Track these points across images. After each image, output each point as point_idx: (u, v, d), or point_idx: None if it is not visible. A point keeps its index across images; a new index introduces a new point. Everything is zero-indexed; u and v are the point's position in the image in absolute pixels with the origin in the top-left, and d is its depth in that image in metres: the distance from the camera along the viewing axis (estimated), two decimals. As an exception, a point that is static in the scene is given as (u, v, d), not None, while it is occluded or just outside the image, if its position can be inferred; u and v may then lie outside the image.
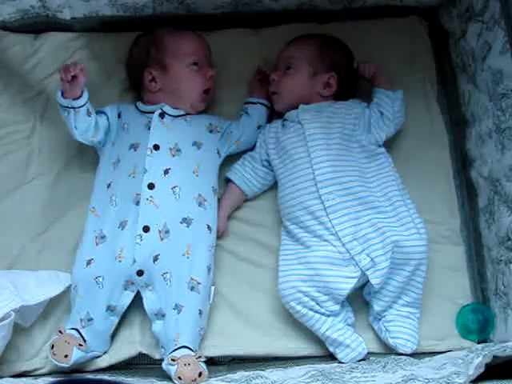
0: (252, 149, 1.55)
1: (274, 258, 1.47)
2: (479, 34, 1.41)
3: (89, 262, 1.36)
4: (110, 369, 1.39)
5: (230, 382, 1.22)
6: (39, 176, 1.54)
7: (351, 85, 1.55)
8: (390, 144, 1.51)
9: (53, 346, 1.32)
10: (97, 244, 1.37)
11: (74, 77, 1.33)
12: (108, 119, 1.48)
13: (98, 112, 1.47)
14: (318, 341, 1.41)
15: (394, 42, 1.64)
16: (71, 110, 1.37)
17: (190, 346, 1.32)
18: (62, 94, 1.37)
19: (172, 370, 1.28)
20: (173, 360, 1.28)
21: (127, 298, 1.37)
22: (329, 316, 1.36)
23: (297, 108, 1.49)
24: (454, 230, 1.52)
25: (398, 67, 1.61)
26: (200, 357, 1.31)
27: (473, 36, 1.44)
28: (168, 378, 1.30)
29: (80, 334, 1.34)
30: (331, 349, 1.37)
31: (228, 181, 1.54)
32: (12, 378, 1.32)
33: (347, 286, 1.35)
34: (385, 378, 1.16)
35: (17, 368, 1.36)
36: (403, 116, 1.51)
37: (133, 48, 1.55)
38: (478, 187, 1.48)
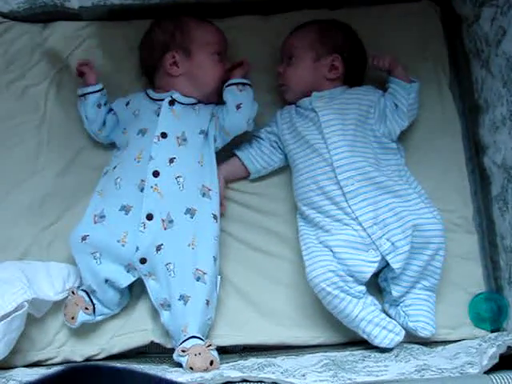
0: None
1: (286, 246, 1.48)
2: (493, 18, 1.38)
3: (84, 238, 1.37)
4: (122, 357, 1.40)
5: (242, 368, 1.23)
6: (49, 166, 1.54)
7: (359, 66, 1.53)
8: (402, 131, 1.49)
9: (66, 306, 1.37)
10: (95, 222, 1.38)
11: (82, 73, 1.50)
12: (115, 113, 1.50)
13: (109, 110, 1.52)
14: (330, 330, 1.41)
15: (406, 28, 1.61)
16: (82, 98, 1.50)
17: (198, 336, 1.32)
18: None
19: (183, 360, 1.28)
20: (183, 351, 1.29)
21: (127, 279, 1.37)
22: (359, 298, 1.34)
23: (309, 95, 1.47)
24: (467, 218, 1.50)
25: (410, 53, 1.58)
26: (210, 345, 1.31)
27: (486, 21, 1.41)
28: (180, 366, 1.31)
29: (89, 296, 1.38)
30: (365, 334, 1.33)
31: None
32: (26, 368, 1.33)
33: (369, 269, 1.34)
34: (398, 368, 1.16)
35: (30, 358, 1.37)
36: (417, 109, 1.49)
37: (154, 30, 1.53)
38: (492, 175, 1.47)
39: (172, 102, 1.45)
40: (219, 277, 1.40)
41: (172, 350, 1.37)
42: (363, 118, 1.43)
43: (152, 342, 1.39)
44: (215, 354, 1.31)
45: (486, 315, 1.42)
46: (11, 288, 1.27)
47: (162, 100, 1.46)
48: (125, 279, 1.37)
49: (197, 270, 1.35)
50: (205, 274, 1.36)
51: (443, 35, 1.62)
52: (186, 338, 1.31)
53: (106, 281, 1.36)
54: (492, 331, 1.41)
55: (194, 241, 1.36)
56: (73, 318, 1.36)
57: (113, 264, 1.36)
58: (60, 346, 1.40)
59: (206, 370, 1.26)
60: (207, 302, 1.35)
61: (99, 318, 1.39)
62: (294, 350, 1.40)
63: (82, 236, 1.37)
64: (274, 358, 1.32)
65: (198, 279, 1.35)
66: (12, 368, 1.33)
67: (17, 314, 1.26)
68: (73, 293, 1.37)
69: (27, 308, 1.28)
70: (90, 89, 1.49)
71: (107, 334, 1.41)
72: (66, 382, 0.62)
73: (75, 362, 1.40)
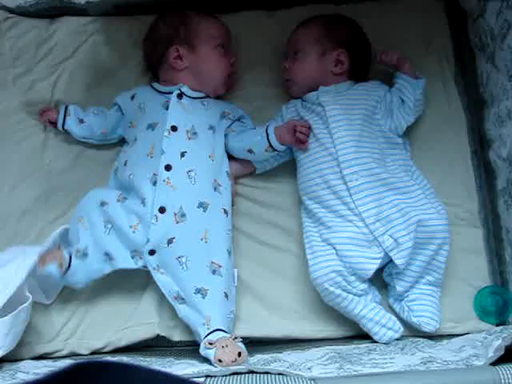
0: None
1: (292, 240, 1.48)
2: (498, 12, 1.38)
3: (103, 204, 1.37)
4: (128, 350, 1.41)
5: (247, 365, 1.23)
6: (56, 160, 1.55)
7: (364, 60, 1.53)
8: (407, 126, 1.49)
9: (44, 254, 1.30)
10: (118, 200, 1.38)
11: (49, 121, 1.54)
12: (120, 108, 1.51)
13: (113, 105, 1.53)
14: (336, 323, 1.41)
15: (411, 22, 1.61)
16: (65, 131, 1.53)
17: (223, 328, 1.32)
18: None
19: (210, 353, 1.27)
20: (210, 344, 1.28)
21: (128, 263, 1.36)
22: (360, 296, 1.35)
23: (315, 90, 1.48)
24: (472, 212, 1.50)
25: (415, 48, 1.58)
26: (236, 337, 1.31)
27: (492, 14, 1.41)
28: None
29: (70, 259, 1.34)
30: (366, 329, 1.36)
31: None
32: (33, 361, 1.34)
33: (372, 266, 1.34)
34: (403, 360, 1.16)
35: (37, 350, 1.38)
36: (422, 105, 1.49)
37: (158, 24, 1.53)
38: (497, 169, 1.47)
39: (180, 96, 1.46)
40: (236, 269, 1.41)
41: (178, 343, 1.38)
42: (370, 112, 1.44)
43: (158, 336, 1.39)
44: (242, 345, 1.30)
45: (491, 309, 1.41)
46: (15, 261, 1.29)
47: (170, 93, 1.46)
48: (126, 262, 1.36)
49: (212, 263, 1.35)
50: (220, 266, 1.36)
51: (448, 30, 1.61)
52: (209, 331, 1.31)
53: (106, 254, 1.35)
54: (497, 325, 1.40)
55: (206, 234, 1.36)
56: (43, 262, 1.29)
57: (120, 243, 1.36)
58: (66, 339, 1.41)
59: (234, 362, 1.25)
60: (225, 295, 1.35)
61: (65, 282, 1.35)
62: (299, 343, 1.40)
63: (102, 201, 1.37)
64: (280, 353, 1.32)
65: (213, 272, 1.35)
66: (19, 360, 1.33)
67: (22, 306, 1.26)
68: (58, 248, 1.33)
69: (32, 300, 1.28)
70: (60, 119, 1.51)
71: (113, 327, 1.41)
72: (73, 378, 0.62)
73: (81, 354, 1.40)
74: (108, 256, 1.35)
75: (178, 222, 1.35)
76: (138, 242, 1.35)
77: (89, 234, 1.36)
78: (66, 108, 1.52)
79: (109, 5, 1.59)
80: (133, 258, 1.36)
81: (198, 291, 1.33)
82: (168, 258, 1.35)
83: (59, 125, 1.52)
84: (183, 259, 1.35)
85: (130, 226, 1.35)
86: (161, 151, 1.39)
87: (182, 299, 1.35)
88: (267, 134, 1.44)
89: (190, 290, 1.34)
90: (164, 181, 1.37)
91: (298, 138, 1.41)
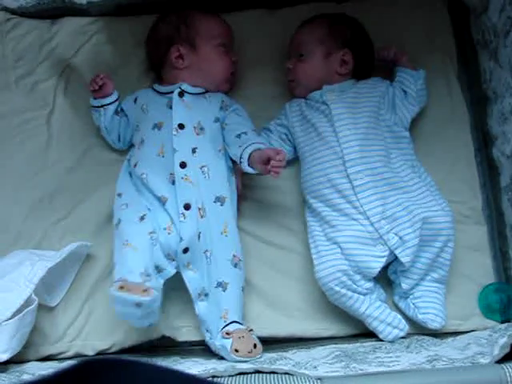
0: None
1: (297, 239, 1.48)
2: (501, 9, 1.37)
3: (142, 218, 1.35)
4: (133, 351, 1.41)
5: (253, 363, 1.23)
6: (59, 161, 1.54)
7: (368, 59, 1.53)
8: (411, 122, 1.49)
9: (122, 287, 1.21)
10: (141, 219, 1.34)
11: (102, 85, 1.44)
12: (126, 114, 1.51)
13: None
14: (341, 322, 1.41)
15: (413, 19, 1.61)
16: (101, 109, 1.47)
17: (239, 321, 1.34)
18: (94, 98, 1.48)
19: (227, 343, 1.28)
20: (227, 333, 1.29)
21: (171, 271, 1.35)
22: (365, 294, 1.35)
23: (319, 89, 1.47)
24: (476, 209, 1.50)
25: (417, 44, 1.58)
26: (251, 330, 1.33)
27: (495, 11, 1.41)
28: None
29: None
30: (371, 328, 1.36)
31: None
32: (38, 362, 1.34)
33: (377, 264, 1.35)
34: (409, 359, 1.16)
35: (42, 352, 1.38)
36: (426, 95, 1.50)
37: (160, 24, 1.54)
38: (500, 166, 1.47)
39: (181, 94, 1.46)
40: None
41: (183, 343, 1.38)
42: (376, 108, 1.44)
43: (163, 336, 1.39)
44: (256, 338, 1.32)
45: (495, 306, 1.42)
46: (23, 268, 1.29)
47: (171, 93, 1.46)
48: (167, 266, 1.34)
49: (234, 256, 1.37)
50: (241, 260, 1.38)
51: (451, 26, 1.61)
52: (226, 323, 1.32)
53: (156, 267, 1.32)
54: (502, 322, 1.40)
55: (226, 228, 1.38)
56: (145, 290, 1.21)
57: (160, 250, 1.33)
58: (72, 340, 1.41)
59: (250, 353, 1.27)
60: (242, 288, 1.37)
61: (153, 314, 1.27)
62: (304, 342, 1.40)
63: (140, 216, 1.34)
64: (286, 351, 1.32)
65: (235, 266, 1.36)
66: (25, 362, 1.33)
67: (28, 309, 1.27)
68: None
69: (37, 303, 1.29)
70: (111, 99, 1.47)
71: (119, 328, 1.41)
72: (81, 376, 0.62)
73: (87, 355, 1.40)
74: (157, 269, 1.33)
75: (202, 217, 1.36)
76: (173, 243, 1.35)
77: (141, 253, 1.29)
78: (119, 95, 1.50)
79: (110, 5, 1.58)
80: (168, 262, 1.36)
81: (219, 285, 1.35)
82: (198, 253, 1.36)
83: (105, 101, 1.47)
84: (208, 253, 1.36)
85: (165, 228, 1.35)
86: (172, 150, 1.39)
87: (206, 295, 1.36)
88: (240, 156, 1.37)
89: (213, 283, 1.35)
90: (182, 178, 1.37)
91: (271, 170, 1.30)
